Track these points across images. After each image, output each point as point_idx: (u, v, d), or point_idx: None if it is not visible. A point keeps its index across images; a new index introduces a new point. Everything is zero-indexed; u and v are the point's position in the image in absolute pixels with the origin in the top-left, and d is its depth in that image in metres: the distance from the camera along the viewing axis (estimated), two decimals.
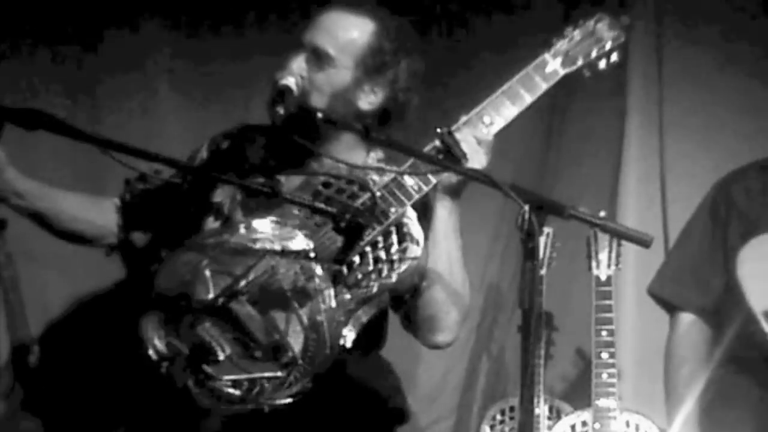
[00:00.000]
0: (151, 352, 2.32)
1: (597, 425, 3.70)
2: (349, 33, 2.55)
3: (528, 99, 2.58)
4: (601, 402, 3.70)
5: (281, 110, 2.49)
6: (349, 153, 2.55)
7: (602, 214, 3.61)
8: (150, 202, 2.72)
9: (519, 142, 4.42)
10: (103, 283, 2.97)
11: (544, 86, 2.61)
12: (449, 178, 2.50)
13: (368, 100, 2.56)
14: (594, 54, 2.66)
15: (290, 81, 2.51)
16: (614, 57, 2.69)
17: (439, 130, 2.48)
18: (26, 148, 3.65)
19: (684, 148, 4.16)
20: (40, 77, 3.89)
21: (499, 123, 2.57)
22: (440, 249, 2.53)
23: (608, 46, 2.68)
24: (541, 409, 3.91)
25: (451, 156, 2.45)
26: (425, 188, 2.48)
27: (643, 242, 2.25)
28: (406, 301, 2.60)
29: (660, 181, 4.19)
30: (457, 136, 2.50)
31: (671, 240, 4.05)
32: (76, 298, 3.55)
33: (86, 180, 3.85)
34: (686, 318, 3.06)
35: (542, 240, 3.95)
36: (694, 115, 4.16)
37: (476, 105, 2.60)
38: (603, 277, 3.80)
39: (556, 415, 3.93)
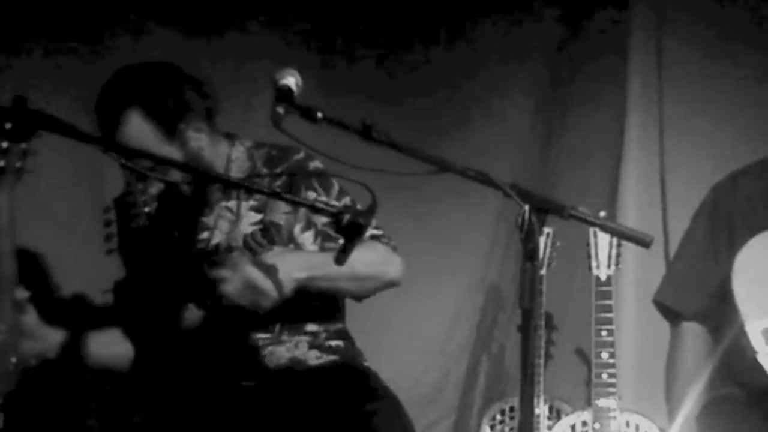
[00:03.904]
0: None
1: (597, 425, 3.70)
2: (139, 135, 2.67)
3: None
4: (601, 402, 3.69)
5: (281, 110, 2.49)
6: (215, 150, 2.77)
7: (602, 214, 3.61)
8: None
9: (519, 142, 4.43)
10: (102, 283, 2.97)
11: None
12: None
13: (198, 138, 2.73)
14: None
15: (290, 81, 2.51)
16: None
17: None
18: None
19: (684, 148, 4.15)
20: (41, 78, 3.89)
21: None
22: None
23: None
24: (541, 409, 3.91)
25: None
26: None
27: (643, 242, 2.25)
28: None
29: (660, 181, 4.19)
30: None
31: (671, 240, 4.06)
32: (74, 298, 3.56)
33: (86, 180, 3.85)
34: (691, 329, 2.93)
35: (542, 240, 3.95)
36: (694, 114, 4.16)
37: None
38: (603, 277, 3.80)
39: (556, 415, 3.93)
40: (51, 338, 2.74)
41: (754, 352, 2.70)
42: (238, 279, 2.53)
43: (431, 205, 4.29)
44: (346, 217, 2.26)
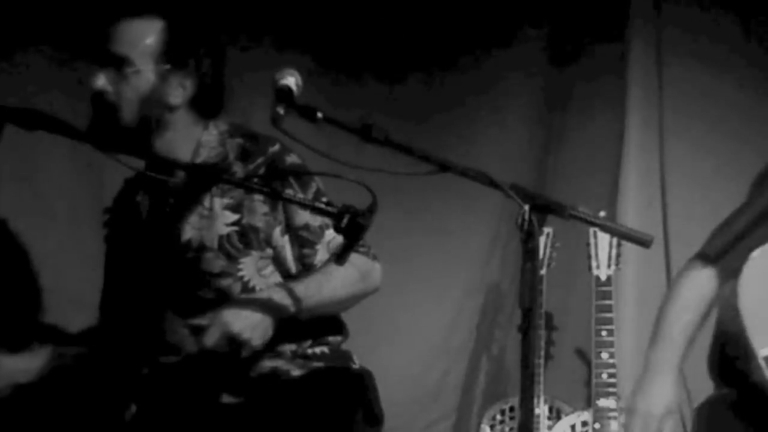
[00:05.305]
0: None
1: (597, 425, 3.70)
2: (141, 36, 2.61)
3: None
4: (601, 402, 3.70)
5: (281, 110, 2.48)
6: (187, 131, 2.65)
7: (602, 214, 3.61)
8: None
9: (519, 142, 4.43)
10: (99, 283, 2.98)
11: None
12: None
13: (177, 94, 2.63)
14: None
15: (290, 81, 2.51)
16: None
17: None
18: (26, 149, 3.70)
19: (684, 148, 4.16)
20: (41, 78, 3.89)
21: None
22: None
23: None
24: (541, 409, 3.91)
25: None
26: None
27: (643, 242, 2.25)
28: None
29: (660, 181, 4.19)
30: None
31: (671, 240, 4.06)
32: (72, 298, 3.56)
33: (86, 180, 3.85)
34: (706, 271, 2.67)
35: (542, 240, 3.95)
36: (694, 115, 4.16)
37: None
38: (603, 277, 3.80)
39: (556, 415, 3.93)
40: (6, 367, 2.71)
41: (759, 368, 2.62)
42: (218, 331, 2.50)
43: (431, 205, 4.29)
44: (347, 217, 2.26)
